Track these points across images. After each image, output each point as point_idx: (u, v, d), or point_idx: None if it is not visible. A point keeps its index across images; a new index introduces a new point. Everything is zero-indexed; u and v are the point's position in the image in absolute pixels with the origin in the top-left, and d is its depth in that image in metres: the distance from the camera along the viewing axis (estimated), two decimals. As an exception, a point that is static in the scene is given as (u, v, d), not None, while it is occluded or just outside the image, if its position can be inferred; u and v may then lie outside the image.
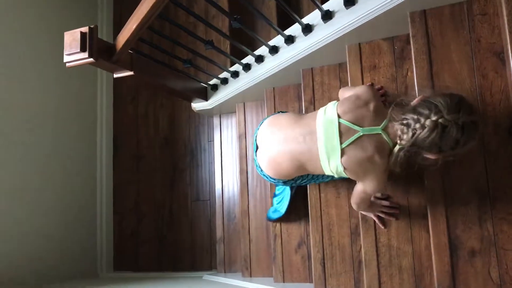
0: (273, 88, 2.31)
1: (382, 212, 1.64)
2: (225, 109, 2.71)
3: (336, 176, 1.49)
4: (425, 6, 1.55)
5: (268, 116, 1.80)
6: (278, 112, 1.83)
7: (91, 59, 1.62)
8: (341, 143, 1.38)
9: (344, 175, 1.45)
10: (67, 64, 1.67)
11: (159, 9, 1.51)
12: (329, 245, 1.92)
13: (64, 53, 1.62)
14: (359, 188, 1.48)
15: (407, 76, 1.71)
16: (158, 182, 3.16)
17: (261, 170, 1.69)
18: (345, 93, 1.59)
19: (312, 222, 1.98)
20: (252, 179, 2.50)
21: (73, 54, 1.62)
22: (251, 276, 2.41)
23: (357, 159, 1.38)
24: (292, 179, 1.69)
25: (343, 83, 1.99)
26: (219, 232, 2.74)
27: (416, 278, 1.61)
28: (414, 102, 1.29)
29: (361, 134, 1.36)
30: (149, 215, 3.16)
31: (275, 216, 2.14)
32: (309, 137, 1.47)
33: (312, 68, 2.07)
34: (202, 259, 2.96)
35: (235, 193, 2.70)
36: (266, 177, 1.70)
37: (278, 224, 2.20)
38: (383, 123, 1.36)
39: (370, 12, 1.58)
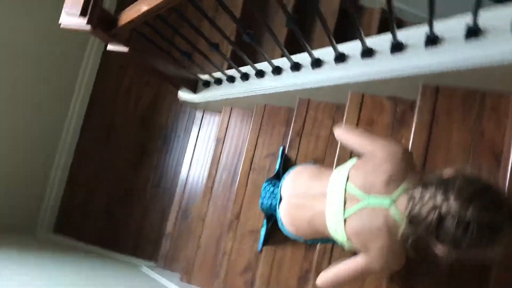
0: (265, 105, 2.23)
1: None
2: (211, 107, 2.63)
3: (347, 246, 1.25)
4: (440, 82, 1.50)
5: (294, 166, 1.63)
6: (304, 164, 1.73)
7: (88, 27, 1.52)
8: (344, 212, 1.19)
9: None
10: (61, 25, 1.55)
11: (174, 3, 1.41)
12: (276, 282, 1.88)
13: (63, 9, 1.50)
14: (360, 261, 1.19)
15: (401, 143, 1.66)
16: (123, 158, 3.04)
17: (282, 224, 1.51)
18: (361, 141, 1.32)
19: (265, 252, 1.93)
20: (218, 187, 2.44)
21: (72, 16, 1.50)
22: (190, 282, 2.35)
23: (361, 231, 1.16)
24: (316, 239, 1.51)
25: (332, 125, 1.93)
26: (169, 227, 2.67)
27: None
28: (441, 174, 1.05)
29: (366, 203, 1.16)
30: (105, 188, 3.05)
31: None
32: (321, 199, 1.29)
33: (309, 100, 2.00)
34: (145, 247, 2.88)
35: (197, 193, 2.63)
36: (288, 234, 1.51)
37: (230, 242, 2.14)
38: (396, 192, 1.12)
39: (386, 72, 1.52)
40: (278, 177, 1.82)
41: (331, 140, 1.93)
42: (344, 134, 1.44)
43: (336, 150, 1.76)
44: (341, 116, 1.86)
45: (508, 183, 1.35)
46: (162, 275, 2.45)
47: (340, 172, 1.28)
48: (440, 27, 1.37)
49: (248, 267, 2.11)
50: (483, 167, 1.41)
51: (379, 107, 1.73)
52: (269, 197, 1.64)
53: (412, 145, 1.53)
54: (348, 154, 1.69)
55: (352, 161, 1.29)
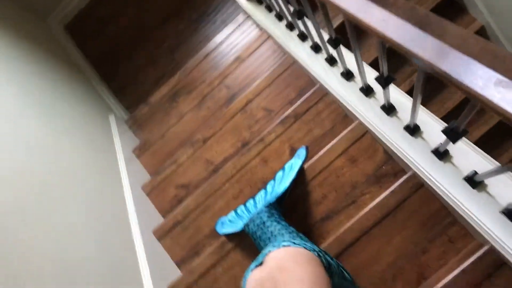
0: (294, 61, 2.10)
1: None
2: (255, 20, 2.45)
3: None
4: (426, 184, 1.41)
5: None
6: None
7: None
8: None
9: None
10: None
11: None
12: (194, 219, 1.97)
13: None
14: None
15: (363, 199, 1.62)
16: (157, 8, 2.92)
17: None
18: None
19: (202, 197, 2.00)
20: (212, 97, 2.41)
21: None
22: (138, 158, 2.46)
23: None
24: None
25: (327, 130, 1.84)
26: (155, 98, 2.69)
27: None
28: None
29: None
30: (126, 21, 2.99)
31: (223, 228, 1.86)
32: None
33: (326, 93, 1.87)
34: (130, 95, 2.93)
35: (194, 86, 2.60)
36: None
37: (184, 156, 2.20)
38: None
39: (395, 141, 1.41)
40: (279, 201, 1.63)
41: (318, 143, 1.86)
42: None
43: (318, 151, 1.73)
44: (342, 128, 1.78)
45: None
46: (121, 135, 2.53)
47: None
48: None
49: (185, 186, 2.19)
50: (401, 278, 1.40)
51: (371, 153, 1.64)
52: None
53: (363, 214, 1.49)
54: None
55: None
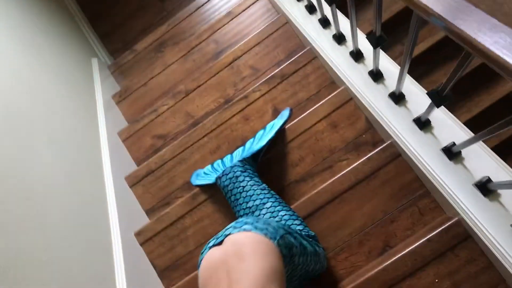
0: (286, 22, 2.05)
1: None
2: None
3: None
4: (404, 156, 1.40)
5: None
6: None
7: None
8: None
9: None
10: None
11: None
12: (168, 169, 1.95)
13: None
14: None
15: (339, 165, 1.61)
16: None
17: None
18: None
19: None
20: (199, 50, 2.35)
21: None
22: (117, 104, 2.40)
23: None
24: None
25: (312, 94, 1.82)
26: (141, 46, 2.61)
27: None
28: None
29: None
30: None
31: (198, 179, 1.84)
32: None
33: (315, 57, 1.84)
34: (115, 41, 2.84)
35: (183, 37, 2.53)
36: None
37: (165, 107, 2.15)
38: None
39: (381, 111, 1.39)
40: (254, 158, 1.66)
41: (302, 106, 1.84)
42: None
43: (300, 114, 1.71)
44: (327, 93, 1.76)
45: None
46: (103, 80, 2.47)
47: None
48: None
49: (163, 137, 2.15)
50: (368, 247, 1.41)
51: (353, 120, 1.63)
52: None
53: (337, 178, 1.48)
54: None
55: None
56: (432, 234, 1.21)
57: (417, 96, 1.33)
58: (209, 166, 1.80)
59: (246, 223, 1.07)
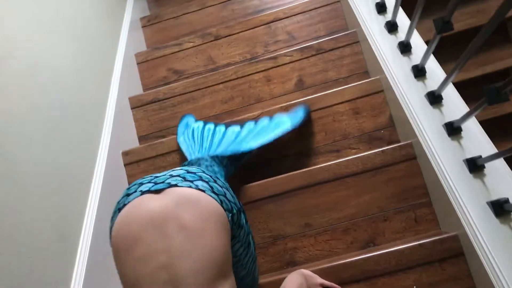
0: (340, 4, 1.99)
1: None
2: None
3: None
4: (423, 153, 1.35)
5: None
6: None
7: None
8: None
9: None
10: None
11: None
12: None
13: None
14: None
15: (347, 152, 1.55)
16: None
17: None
18: None
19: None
20: None
21: None
22: (143, 28, 2.32)
23: None
24: None
25: (342, 77, 1.76)
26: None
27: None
28: None
29: None
30: None
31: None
32: None
33: (358, 41, 1.78)
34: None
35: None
36: None
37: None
38: None
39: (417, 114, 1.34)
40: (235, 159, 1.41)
41: (328, 85, 1.78)
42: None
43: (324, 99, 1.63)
44: (357, 81, 1.71)
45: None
46: (135, 1, 2.38)
47: None
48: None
49: (178, 72, 2.08)
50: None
51: (377, 113, 1.57)
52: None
53: (345, 161, 1.42)
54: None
55: None
56: (426, 240, 1.16)
57: (455, 102, 1.27)
58: (200, 124, 1.61)
59: (201, 179, 0.87)
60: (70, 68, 1.49)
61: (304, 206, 1.39)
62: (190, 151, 1.46)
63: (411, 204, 1.34)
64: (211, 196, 0.83)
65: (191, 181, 0.85)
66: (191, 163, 1.27)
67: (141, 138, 1.86)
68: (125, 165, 1.66)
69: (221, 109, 1.85)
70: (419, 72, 1.36)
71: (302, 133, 1.59)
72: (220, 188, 0.88)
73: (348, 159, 1.41)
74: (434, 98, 1.28)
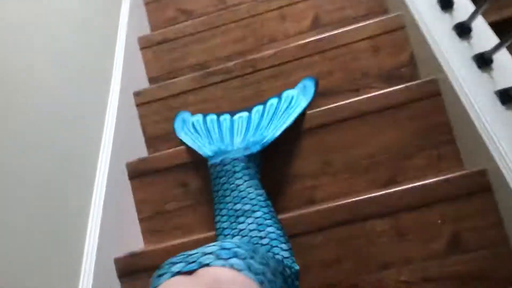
0: None
1: None
2: None
3: None
4: (450, 88, 1.30)
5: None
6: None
7: None
8: None
9: None
10: None
11: None
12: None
13: None
14: None
15: (367, 91, 1.50)
16: None
17: None
18: None
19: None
20: None
21: None
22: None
23: None
24: None
25: (360, 15, 1.69)
26: None
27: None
28: None
29: None
30: None
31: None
32: None
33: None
34: None
35: None
36: None
37: None
38: None
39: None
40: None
41: (346, 22, 1.71)
42: None
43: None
44: (376, 17, 1.62)
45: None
46: None
47: None
48: None
49: (188, 12, 2.00)
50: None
51: (397, 50, 1.51)
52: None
53: (367, 98, 1.37)
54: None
55: None
56: (452, 175, 1.13)
57: (485, 33, 1.21)
58: (200, 118, 1.49)
59: (236, 255, 0.77)
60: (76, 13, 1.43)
61: (323, 145, 1.35)
62: (199, 144, 1.35)
63: (435, 142, 1.31)
64: (248, 276, 0.73)
65: (226, 259, 0.76)
66: (223, 162, 1.20)
67: (151, 80, 1.81)
68: (137, 105, 1.62)
69: (232, 49, 1.78)
70: (445, 3, 1.29)
71: (320, 72, 1.54)
72: (259, 266, 0.78)
73: (369, 96, 1.37)
74: (463, 30, 1.22)
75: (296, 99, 1.40)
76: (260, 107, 1.43)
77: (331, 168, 1.35)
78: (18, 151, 0.96)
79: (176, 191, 1.42)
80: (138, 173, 1.45)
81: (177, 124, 1.53)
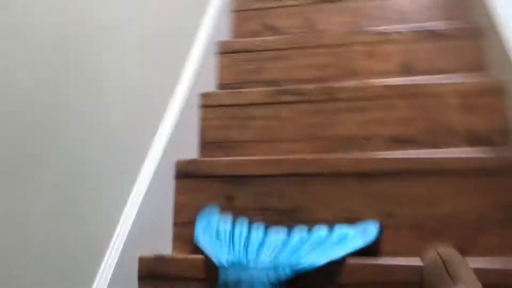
0: None
1: None
2: None
3: None
4: None
5: None
6: None
7: None
8: None
9: None
10: None
11: None
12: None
13: None
14: None
15: (452, 151, 1.38)
16: None
17: None
18: None
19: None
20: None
21: None
22: None
23: None
24: None
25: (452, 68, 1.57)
26: None
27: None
28: None
29: None
30: None
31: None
32: None
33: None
34: None
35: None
36: None
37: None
38: None
39: None
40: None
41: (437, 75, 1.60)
42: None
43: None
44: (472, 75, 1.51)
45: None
46: None
47: None
48: None
49: (271, 29, 1.95)
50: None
51: (492, 113, 1.38)
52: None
53: (449, 159, 1.24)
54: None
55: None
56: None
57: None
58: (227, 227, 1.22)
59: None
60: None
61: (391, 194, 1.23)
62: (216, 250, 1.11)
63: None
64: None
65: None
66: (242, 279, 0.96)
67: (220, 85, 1.75)
68: (201, 106, 1.56)
69: (311, 73, 1.70)
70: None
71: (399, 118, 1.43)
72: None
73: (454, 157, 1.23)
74: None
75: (351, 238, 1.14)
76: (304, 231, 1.17)
77: (394, 221, 1.21)
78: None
79: (220, 203, 1.32)
80: (185, 174, 1.36)
81: (200, 224, 1.27)
